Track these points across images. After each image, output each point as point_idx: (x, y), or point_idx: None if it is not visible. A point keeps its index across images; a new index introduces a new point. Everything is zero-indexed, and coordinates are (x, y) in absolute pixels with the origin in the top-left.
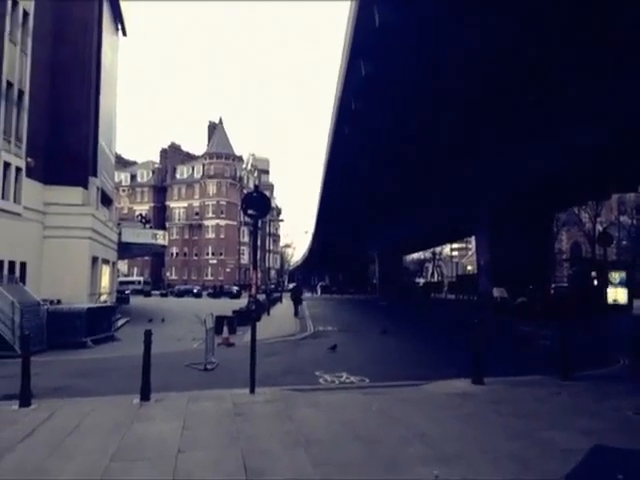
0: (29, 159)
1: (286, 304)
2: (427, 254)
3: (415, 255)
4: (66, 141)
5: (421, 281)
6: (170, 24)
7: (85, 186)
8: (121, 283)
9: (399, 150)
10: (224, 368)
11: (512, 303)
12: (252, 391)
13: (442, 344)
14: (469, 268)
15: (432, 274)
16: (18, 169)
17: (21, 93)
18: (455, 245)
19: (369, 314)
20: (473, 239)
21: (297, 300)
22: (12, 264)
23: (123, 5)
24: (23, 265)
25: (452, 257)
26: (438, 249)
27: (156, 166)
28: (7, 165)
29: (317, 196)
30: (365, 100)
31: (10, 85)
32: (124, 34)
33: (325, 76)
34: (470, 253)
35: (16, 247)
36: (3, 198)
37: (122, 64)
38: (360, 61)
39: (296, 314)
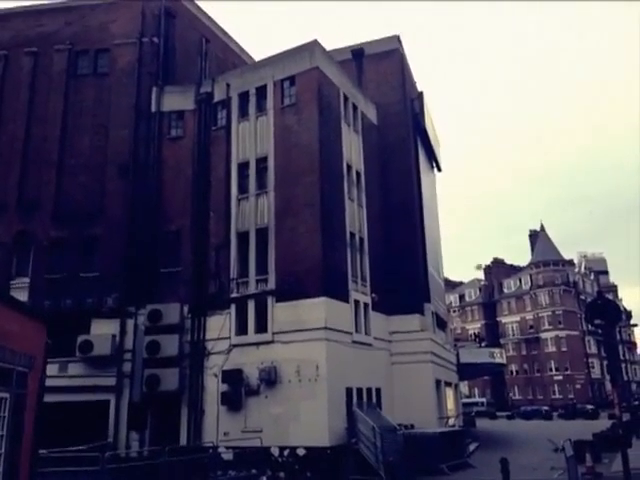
0: (373, 295)
1: None
2: None
3: None
4: (400, 275)
5: None
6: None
7: (421, 312)
8: (464, 405)
9: None
10: None
11: None
12: None
13: None
14: None
15: None
16: (365, 305)
17: (361, 240)
18: None
19: None
20: None
21: None
22: (369, 390)
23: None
24: (377, 391)
25: None
26: None
27: (482, 283)
28: (357, 302)
29: None
30: None
31: (352, 235)
32: (439, 170)
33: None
34: None
35: (370, 374)
36: (357, 331)
37: (441, 194)
38: None
39: None
